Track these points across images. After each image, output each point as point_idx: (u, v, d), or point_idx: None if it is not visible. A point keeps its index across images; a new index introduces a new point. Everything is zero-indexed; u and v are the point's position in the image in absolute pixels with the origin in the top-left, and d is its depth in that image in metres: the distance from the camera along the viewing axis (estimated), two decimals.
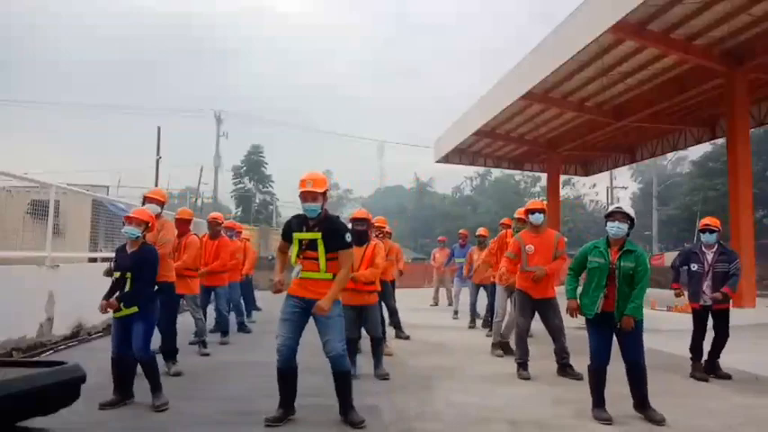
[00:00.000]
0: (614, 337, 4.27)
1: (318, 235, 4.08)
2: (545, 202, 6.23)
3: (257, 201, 45.65)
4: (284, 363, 4.09)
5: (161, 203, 5.75)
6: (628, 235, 4.36)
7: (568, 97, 15.93)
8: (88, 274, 8.66)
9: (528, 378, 5.55)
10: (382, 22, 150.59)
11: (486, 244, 9.74)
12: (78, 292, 7.48)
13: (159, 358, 4.91)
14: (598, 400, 4.25)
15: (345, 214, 69.37)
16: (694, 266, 5.66)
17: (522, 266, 5.82)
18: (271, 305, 11.83)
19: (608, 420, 4.11)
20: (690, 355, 5.73)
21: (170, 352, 5.72)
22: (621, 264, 4.23)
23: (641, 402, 4.23)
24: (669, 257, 27.29)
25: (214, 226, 7.80)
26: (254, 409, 4.43)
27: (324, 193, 4.14)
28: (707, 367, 5.65)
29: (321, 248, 4.08)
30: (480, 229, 10.08)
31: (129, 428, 4.02)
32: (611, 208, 4.46)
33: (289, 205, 54.45)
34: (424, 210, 54.51)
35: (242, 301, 9.34)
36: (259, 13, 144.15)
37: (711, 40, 11.98)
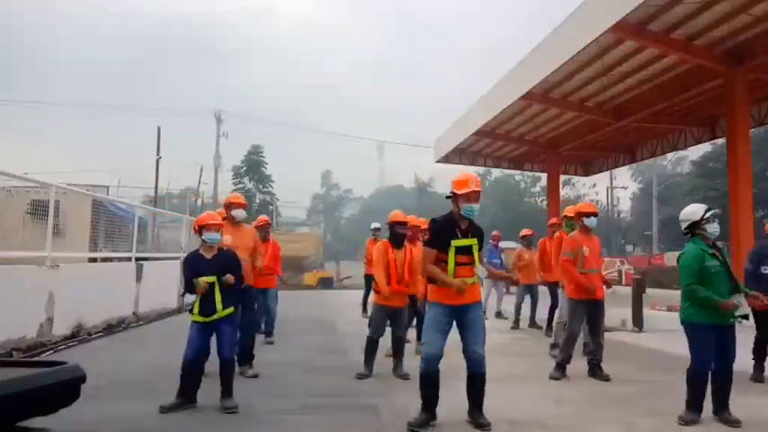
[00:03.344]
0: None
1: (474, 241, 4.13)
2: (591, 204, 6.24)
3: (257, 201, 45.61)
4: (432, 370, 4.05)
5: (245, 208, 5.79)
6: None
7: (568, 97, 15.94)
8: (88, 274, 8.69)
9: (558, 379, 5.54)
10: (382, 22, 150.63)
11: (533, 243, 9.76)
12: (78, 292, 7.48)
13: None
14: (697, 405, 4.11)
15: (346, 214, 69.46)
16: (766, 269, 5.57)
17: (579, 268, 5.71)
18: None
19: (696, 422, 4.05)
20: (752, 357, 5.66)
21: (247, 355, 5.67)
22: (728, 261, 4.17)
23: (724, 403, 4.15)
24: (669, 258, 27.26)
25: (266, 228, 7.81)
26: (254, 409, 4.43)
27: None
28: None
29: (477, 254, 4.13)
30: (524, 230, 10.12)
31: (129, 429, 4.02)
32: (705, 211, 4.21)
33: (289, 205, 54.61)
34: (424, 210, 54.50)
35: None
36: (259, 14, 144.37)
37: (711, 40, 11.99)
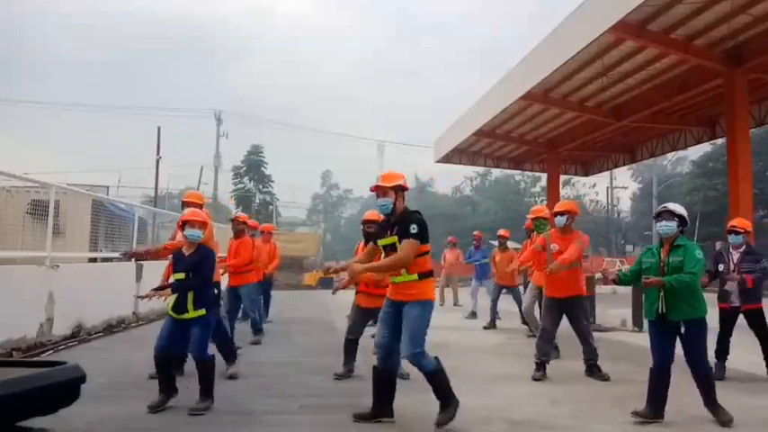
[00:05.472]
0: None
1: (395, 239, 4.02)
2: (571, 203, 6.18)
3: (257, 201, 45.62)
4: (381, 362, 4.10)
5: (200, 206, 5.75)
6: (682, 232, 4.30)
7: (568, 97, 15.95)
8: (88, 274, 8.69)
9: (540, 379, 5.51)
10: (382, 22, 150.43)
11: (506, 246, 9.77)
12: (78, 292, 7.50)
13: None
14: (654, 404, 4.15)
15: (346, 214, 69.43)
16: (721, 267, 5.69)
17: (547, 264, 5.73)
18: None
19: (651, 417, 4.11)
20: (715, 357, 5.64)
21: (229, 353, 5.66)
22: (670, 260, 4.18)
23: (703, 398, 4.21)
24: None
25: (236, 225, 7.75)
26: (252, 409, 4.44)
27: (395, 188, 4.06)
28: None
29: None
30: (501, 231, 10.09)
31: (128, 429, 4.03)
32: (658, 208, 4.42)
33: (289, 205, 54.61)
34: (423, 210, 54.18)
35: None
36: (259, 14, 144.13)
37: (711, 40, 12.00)
